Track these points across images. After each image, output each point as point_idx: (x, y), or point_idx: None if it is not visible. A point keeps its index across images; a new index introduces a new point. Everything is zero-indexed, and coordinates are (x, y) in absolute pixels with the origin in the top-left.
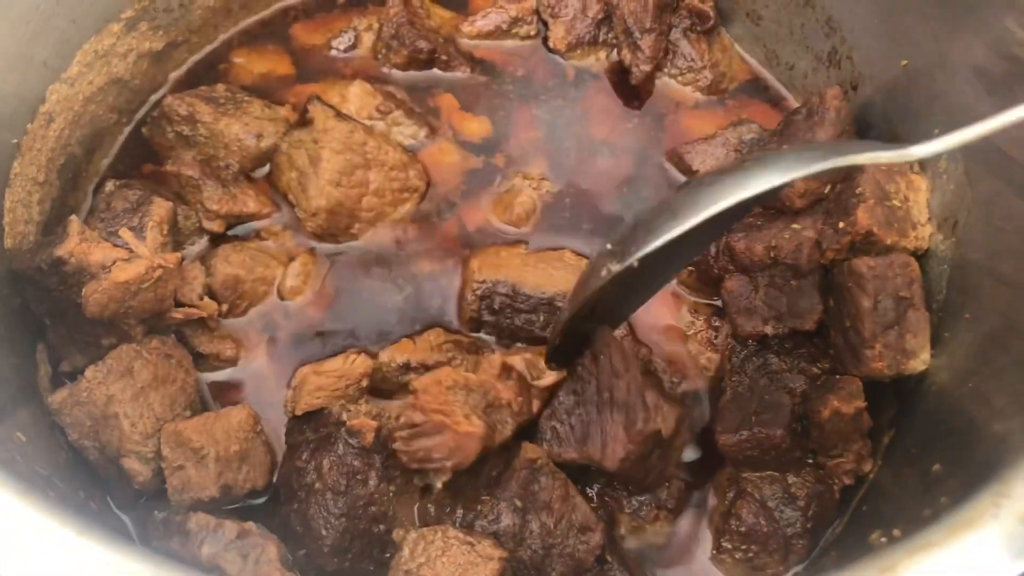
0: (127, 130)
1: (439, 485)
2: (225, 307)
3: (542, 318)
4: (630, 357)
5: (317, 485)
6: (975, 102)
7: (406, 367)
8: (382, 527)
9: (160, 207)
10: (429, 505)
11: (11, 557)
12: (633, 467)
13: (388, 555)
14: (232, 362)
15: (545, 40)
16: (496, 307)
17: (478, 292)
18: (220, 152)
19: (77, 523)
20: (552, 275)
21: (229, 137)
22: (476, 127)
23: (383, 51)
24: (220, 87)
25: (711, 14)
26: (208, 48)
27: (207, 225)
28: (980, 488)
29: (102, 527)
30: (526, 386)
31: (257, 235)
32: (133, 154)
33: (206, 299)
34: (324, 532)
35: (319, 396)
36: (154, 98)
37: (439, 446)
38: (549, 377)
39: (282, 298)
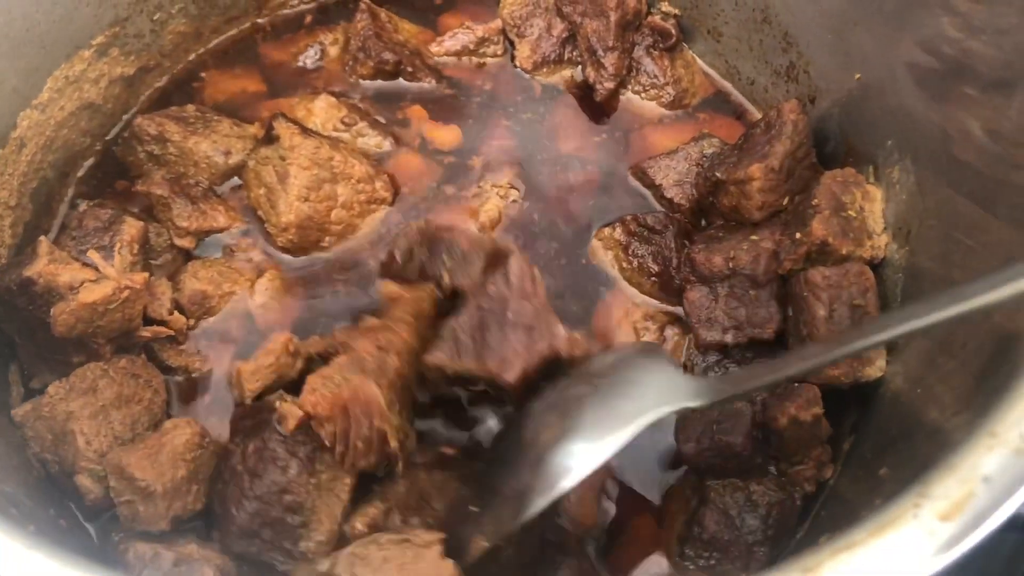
0: (98, 149)
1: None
2: (192, 321)
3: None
4: (539, 283)
5: (239, 467)
6: (923, 111)
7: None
8: (297, 518)
9: (131, 227)
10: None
11: None
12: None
13: (300, 549)
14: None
15: (512, 59)
16: None
17: None
18: (190, 170)
19: (28, 538)
20: None
21: (199, 155)
22: (447, 136)
23: (350, 63)
24: (190, 107)
25: (673, 32)
26: (180, 67)
27: (178, 242)
28: (907, 489)
29: (56, 542)
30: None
31: (229, 250)
32: (106, 171)
33: (176, 314)
34: (235, 512)
35: (258, 378)
36: (127, 118)
37: (352, 421)
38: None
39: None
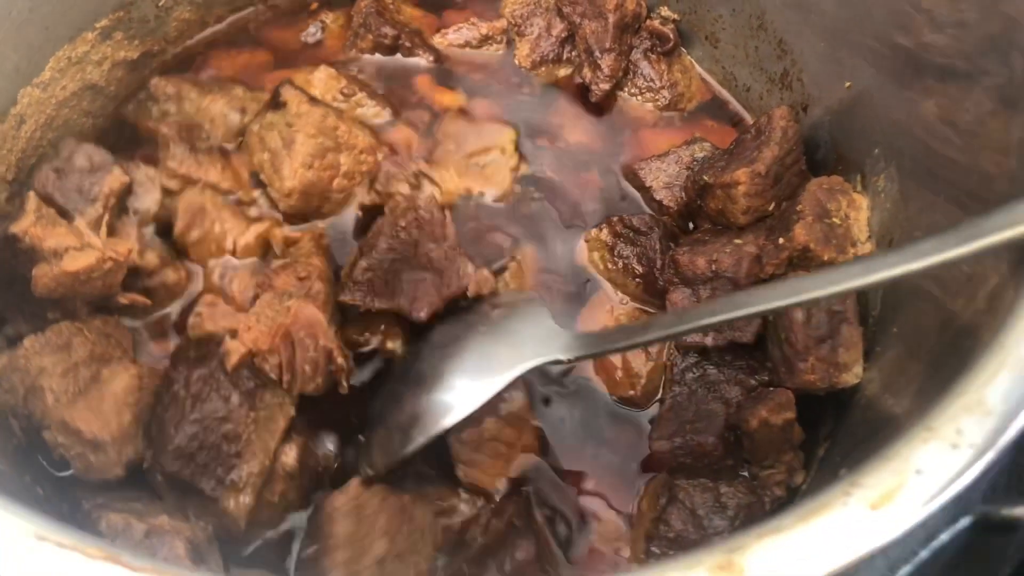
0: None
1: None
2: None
3: None
4: (449, 225)
5: (182, 392)
6: (907, 118)
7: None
8: (233, 448)
9: (115, 179)
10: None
11: None
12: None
13: (232, 478)
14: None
15: (513, 57)
16: None
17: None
18: (205, 124)
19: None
20: None
21: (215, 112)
22: (450, 99)
23: (351, 38)
24: (203, 75)
25: (671, 36)
26: (183, 50)
27: (165, 183)
28: (840, 478)
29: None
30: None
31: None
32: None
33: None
34: (172, 433)
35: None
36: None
37: (297, 345)
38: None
39: (234, 254)
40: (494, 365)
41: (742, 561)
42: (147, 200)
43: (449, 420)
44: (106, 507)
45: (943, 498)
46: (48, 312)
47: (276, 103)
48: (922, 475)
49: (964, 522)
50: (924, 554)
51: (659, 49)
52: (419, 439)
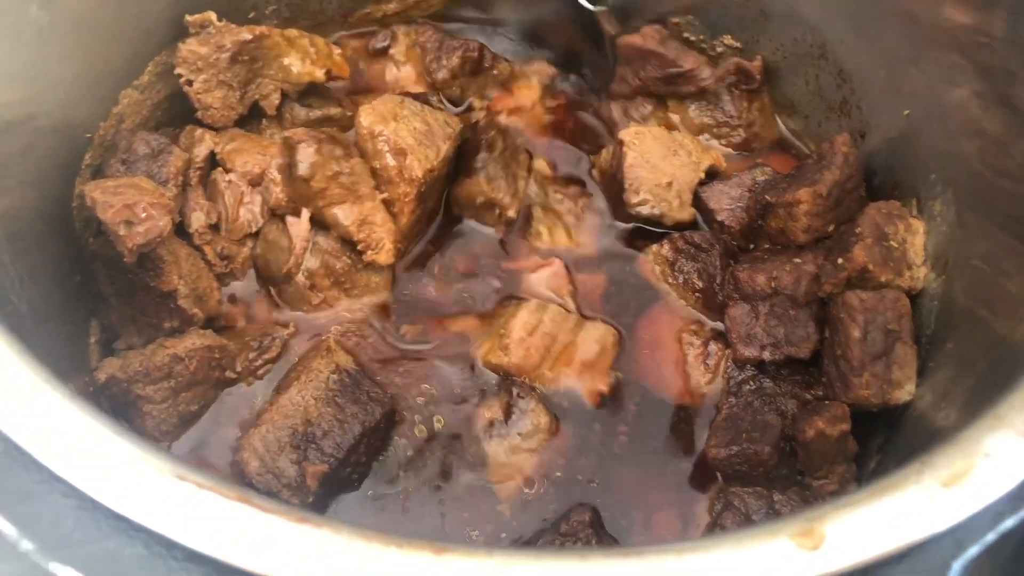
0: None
1: None
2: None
3: None
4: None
5: None
6: (966, 147)
7: None
8: None
9: (178, 158)
10: None
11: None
12: None
13: None
14: None
15: None
16: None
17: None
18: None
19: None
20: None
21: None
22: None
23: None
24: None
25: (757, 76)
26: None
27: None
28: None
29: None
30: None
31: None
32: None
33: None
34: None
35: None
36: None
37: None
38: None
39: None
40: None
41: (822, 528)
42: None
43: None
44: None
45: (1011, 482)
46: (165, 321)
47: None
48: (990, 459)
49: None
50: (991, 536)
51: (744, 87)
52: None
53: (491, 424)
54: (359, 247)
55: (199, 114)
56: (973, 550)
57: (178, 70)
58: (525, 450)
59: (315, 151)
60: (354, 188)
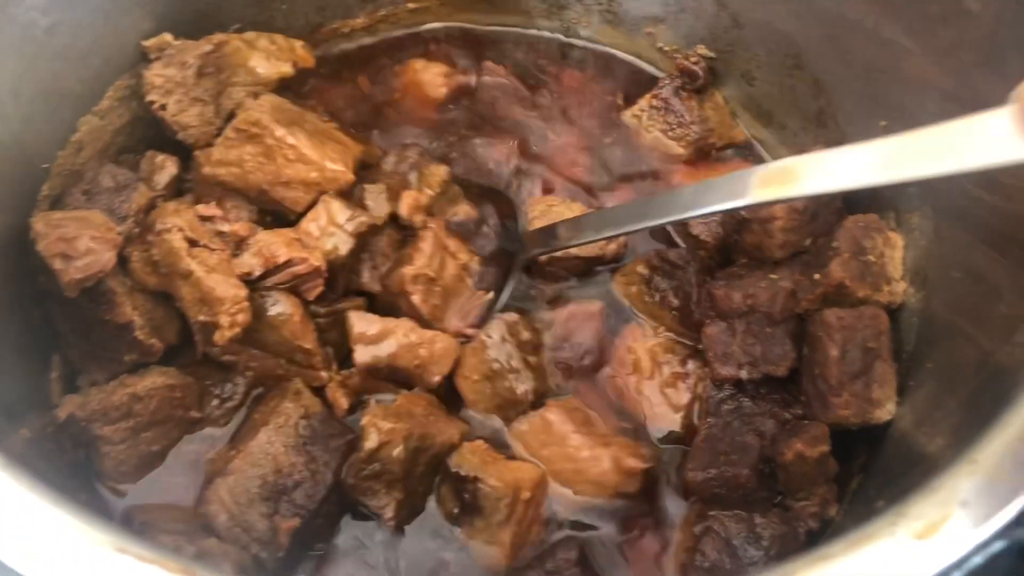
0: None
1: None
2: None
3: None
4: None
5: None
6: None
7: None
8: None
9: (142, 196)
10: None
11: None
12: None
13: None
14: None
15: None
16: None
17: None
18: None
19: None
20: None
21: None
22: None
23: None
24: None
25: (701, 73)
26: None
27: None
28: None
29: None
30: None
31: None
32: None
33: None
34: None
35: None
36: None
37: None
38: None
39: None
40: None
41: None
42: None
43: None
44: (155, 528)
45: (988, 531)
46: (124, 355)
47: None
48: (968, 507)
49: (998, 546)
50: (957, 574)
51: (689, 86)
52: None
53: (452, 516)
54: None
55: (180, 135)
56: None
57: (149, 97)
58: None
59: None
60: None
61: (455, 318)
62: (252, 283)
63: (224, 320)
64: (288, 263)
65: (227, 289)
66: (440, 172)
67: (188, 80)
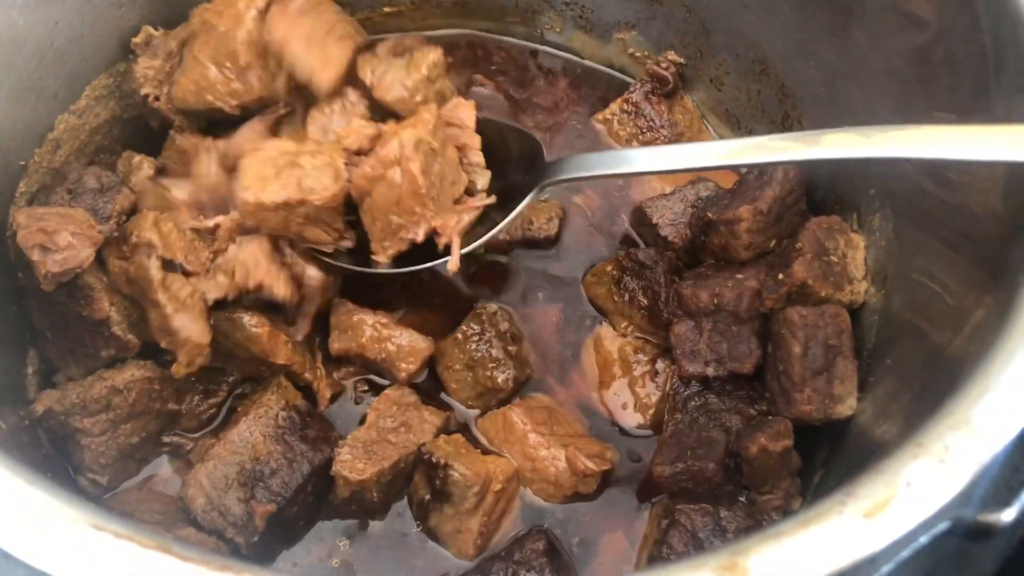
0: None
1: None
2: None
3: None
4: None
5: None
6: (904, 164)
7: None
8: None
9: (125, 198)
10: None
11: None
12: None
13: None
14: None
15: None
16: None
17: None
18: None
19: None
20: None
21: None
22: None
23: None
24: None
25: (671, 78)
26: None
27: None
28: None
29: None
30: None
31: None
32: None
33: None
34: None
35: None
36: None
37: None
38: None
39: None
40: None
41: (745, 562)
42: None
43: None
44: (133, 517)
45: (931, 509)
46: (102, 350)
47: None
48: (912, 487)
49: (942, 526)
50: (905, 554)
51: (660, 91)
52: None
53: (424, 502)
54: None
55: (179, 123)
56: (887, 568)
57: (144, 91)
58: (465, 512)
59: None
60: None
61: (447, 207)
62: (222, 305)
63: (182, 358)
64: (259, 287)
65: (191, 332)
66: (431, 55)
67: (176, 67)
